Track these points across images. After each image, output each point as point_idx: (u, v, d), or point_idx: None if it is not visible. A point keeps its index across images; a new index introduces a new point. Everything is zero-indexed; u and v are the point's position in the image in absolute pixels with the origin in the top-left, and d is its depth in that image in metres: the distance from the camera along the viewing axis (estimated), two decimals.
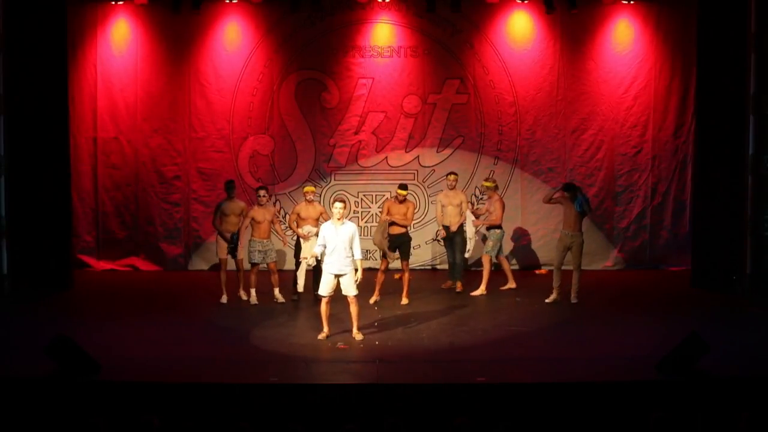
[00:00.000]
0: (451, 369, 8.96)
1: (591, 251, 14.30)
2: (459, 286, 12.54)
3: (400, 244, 12.01)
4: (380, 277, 12.00)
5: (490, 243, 12.63)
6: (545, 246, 14.47)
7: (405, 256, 12.06)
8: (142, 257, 14.47)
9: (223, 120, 14.41)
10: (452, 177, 12.69)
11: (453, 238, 12.53)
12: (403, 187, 12.10)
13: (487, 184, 12.82)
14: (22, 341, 9.78)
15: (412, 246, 12.28)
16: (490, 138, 14.48)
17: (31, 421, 7.64)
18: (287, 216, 12.99)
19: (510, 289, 12.62)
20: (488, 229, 12.74)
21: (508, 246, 14.52)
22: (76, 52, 13.98)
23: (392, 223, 11.94)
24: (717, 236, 12.61)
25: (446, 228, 12.58)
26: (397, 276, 12.51)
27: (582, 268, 11.95)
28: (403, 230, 12.02)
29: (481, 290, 12.40)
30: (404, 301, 11.95)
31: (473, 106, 14.44)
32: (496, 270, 12.87)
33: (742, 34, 12.26)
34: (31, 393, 8.09)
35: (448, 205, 12.48)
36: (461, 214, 12.50)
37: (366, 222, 14.51)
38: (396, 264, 12.22)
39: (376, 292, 11.93)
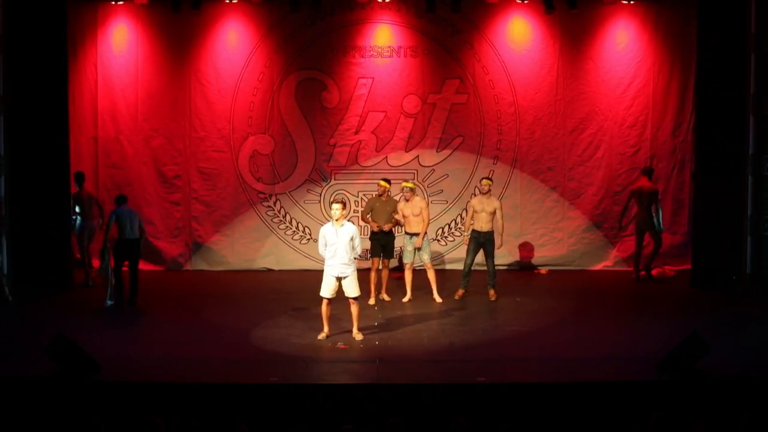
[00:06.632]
0: (451, 369, 8.96)
1: (590, 251, 14.35)
2: (493, 294, 12.07)
3: (385, 243, 11.94)
4: (374, 277, 11.92)
5: (427, 251, 12.05)
6: (545, 246, 14.47)
7: (389, 255, 12.00)
8: (142, 257, 14.42)
9: (223, 120, 14.40)
10: (485, 182, 12.09)
11: (484, 245, 12.02)
12: (388, 181, 12.16)
13: (409, 185, 12.11)
14: (22, 341, 9.79)
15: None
16: (490, 138, 14.47)
17: (31, 421, 7.63)
18: None
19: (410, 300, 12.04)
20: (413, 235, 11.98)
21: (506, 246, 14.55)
22: (76, 52, 13.95)
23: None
24: (717, 236, 12.62)
25: (476, 233, 12.02)
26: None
27: (581, 267, 11.93)
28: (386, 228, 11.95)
29: (408, 296, 12.01)
30: (383, 296, 11.95)
31: (473, 106, 14.43)
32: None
33: (742, 34, 12.26)
34: (31, 393, 8.10)
35: (482, 212, 11.94)
36: (493, 220, 11.95)
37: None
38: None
39: (372, 294, 11.86)
